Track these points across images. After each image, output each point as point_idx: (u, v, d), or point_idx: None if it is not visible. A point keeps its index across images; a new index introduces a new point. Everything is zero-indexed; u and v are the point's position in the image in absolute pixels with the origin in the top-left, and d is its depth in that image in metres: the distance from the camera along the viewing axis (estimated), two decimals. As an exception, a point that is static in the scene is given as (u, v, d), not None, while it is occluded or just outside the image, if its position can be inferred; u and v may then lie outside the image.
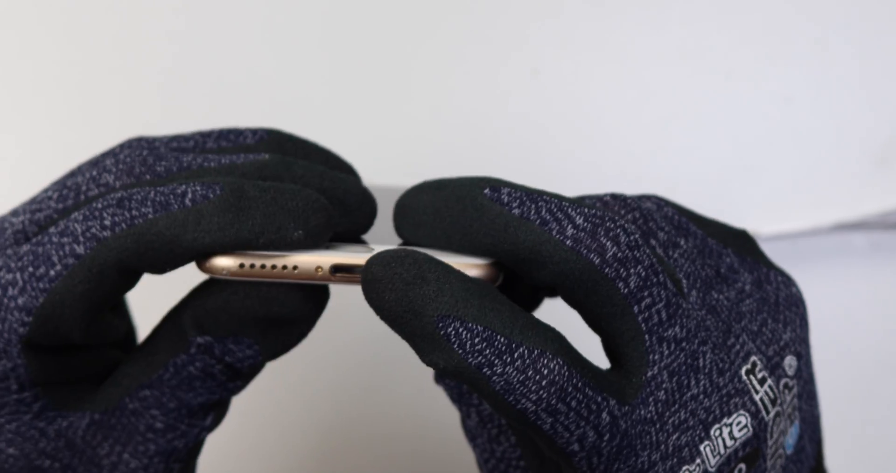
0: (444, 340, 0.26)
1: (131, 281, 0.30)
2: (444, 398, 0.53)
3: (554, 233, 0.27)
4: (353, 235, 0.31)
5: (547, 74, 0.55)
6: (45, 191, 0.31)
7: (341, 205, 0.30)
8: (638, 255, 0.27)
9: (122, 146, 0.31)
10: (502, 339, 0.26)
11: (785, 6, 0.54)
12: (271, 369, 0.44)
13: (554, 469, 0.31)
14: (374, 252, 0.28)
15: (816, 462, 0.32)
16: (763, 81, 0.56)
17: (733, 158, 0.56)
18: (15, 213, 0.31)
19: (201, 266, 0.29)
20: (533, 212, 0.27)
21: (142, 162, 0.30)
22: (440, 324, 0.26)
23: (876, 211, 0.56)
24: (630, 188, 0.51)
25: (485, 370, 0.26)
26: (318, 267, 0.29)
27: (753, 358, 0.29)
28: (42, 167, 0.47)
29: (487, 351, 0.26)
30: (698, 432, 0.27)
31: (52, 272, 0.28)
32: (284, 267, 0.29)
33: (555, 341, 0.26)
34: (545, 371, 0.26)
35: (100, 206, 0.29)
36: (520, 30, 0.55)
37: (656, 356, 0.27)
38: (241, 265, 0.28)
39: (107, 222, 0.28)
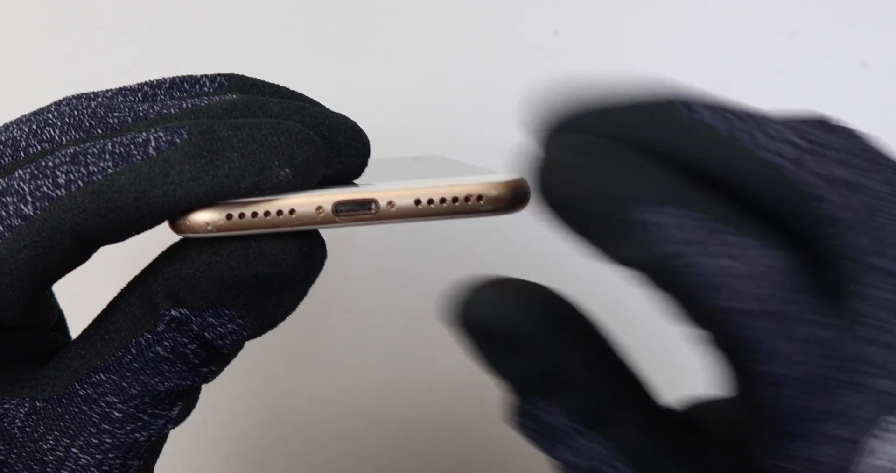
0: (639, 226, 0.24)
1: (85, 252, 0.28)
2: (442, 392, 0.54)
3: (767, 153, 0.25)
4: (344, 178, 0.30)
5: (569, 33, 0.52)
6: None
7: (329, 143, 0.29)
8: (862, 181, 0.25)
9: (58, 102, 0.30)
10: (711, 224, 0.24)
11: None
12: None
13: None
14: (380, 184, 0.28)
15: None
16: (835, 42, 0.53)
17: None
18: None
19: (178, 226, 0.27)
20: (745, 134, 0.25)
21: (91, 114, 0.29)
22: (635, 208, 0.24)
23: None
24: None
25: (691, 258, 0.24)
26: (319, 207, 0.28)
27: None
28: None
29: (692, 236, 0.24)
30: None
31: None
32: (280, 213, 0.27)
33: (770, 235, 0.24)
34: (763, 260, 0.24)
35: (50, 163, 0.27)
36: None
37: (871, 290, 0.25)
38: (229, 216, 0.27)
39: (60, 180, 0.27)
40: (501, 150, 0.51)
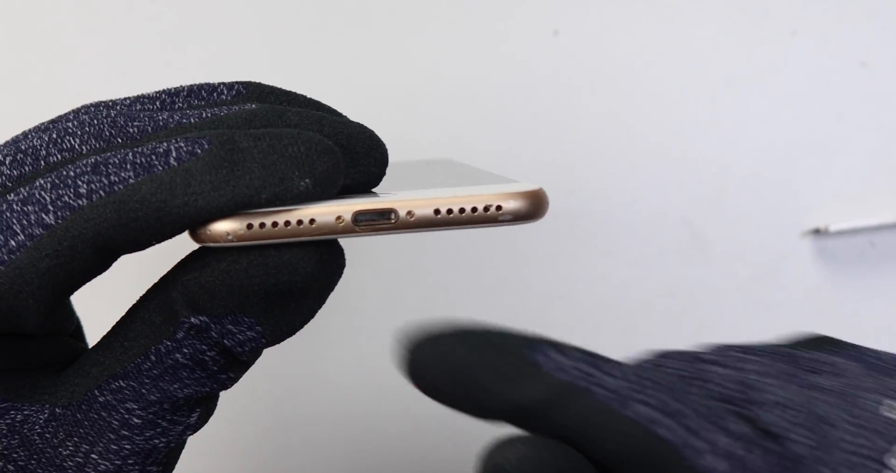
0: (535, 366, 0.26)
1: (105, 261, 0.29)
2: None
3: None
4: (363, 187, 0.30)
5: (569, 33, 0.52)
6: None
7: (347, 153, 0.30)
8: None
9: (77, 110, 0.31)
10: (588, 358, 0.26)
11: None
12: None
13: None
14: (399, 194, 0.29)
15: None
16: (835, 42, 0.54)
17: (798, 135, 0.54)
18: None
19: (198, 236, 0.28)
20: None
21: (111, 124, 0.30)
22: (528, 351, 0.26)
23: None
24: (672, 169, 0.52)
25: (582, 383, 0.26)
26: (339, 217, 0.28)
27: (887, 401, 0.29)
28: None
29: (579, 371, 0.26)
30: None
31: (12, 243, 0.28)
32: (300, 222, 0.28)
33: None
34: (645, 373, 0.26)
35: (71, 173, 0.28)
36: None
37: None
38: (250, 226, 0.27)
39: (82, 190, 0.28)
40: (504, 151, 0.52)
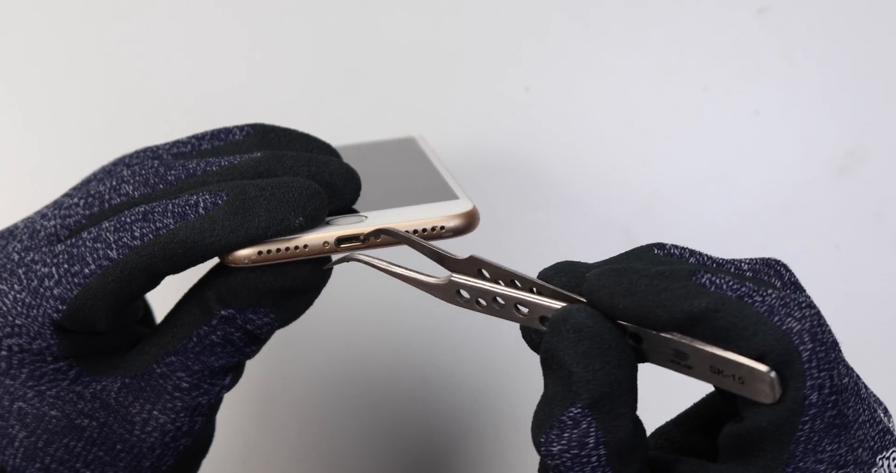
0: (701, 287, 0.26)
1: (154, 282, 0.33)
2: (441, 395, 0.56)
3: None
4: (344, 209, 0.34)
5: (538, 90, 0.57)
6: (70, 197, 0.34)
7: (330, 187, 0.32)
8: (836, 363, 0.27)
9: (131, 157, 0.34)
10: (747, 281, 0.27)
11: (755, 27, 0.56)
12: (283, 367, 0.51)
13: None
14: (368, 219, 0.32)
15: None
16: (734, 95, 0.57)
17: (708, 166, 0.57)
18: (45, 216, 0.33)
19: (225, 260, 0.31)
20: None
21: (154, 173, 0.32)
22: (693, 277, 0.27)
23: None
24: (613, 193, 0.56)
25: (746, 299, 0.26)
26: (326, 242, 0.31)
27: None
28: (62, 167, 0.52)
29: (742, 288, 0.26)
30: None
31: (86, 270, 0.31)
32: (297, 248, 0.31)
33: None
34: (803, 299, 0.26)
35: (128, 219, 0.31)
36: (513, 50, 0.57)
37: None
38: (260, 253, 0.31)
39: (136, 233, 0.31)
40: (477, 193, 0.52)
